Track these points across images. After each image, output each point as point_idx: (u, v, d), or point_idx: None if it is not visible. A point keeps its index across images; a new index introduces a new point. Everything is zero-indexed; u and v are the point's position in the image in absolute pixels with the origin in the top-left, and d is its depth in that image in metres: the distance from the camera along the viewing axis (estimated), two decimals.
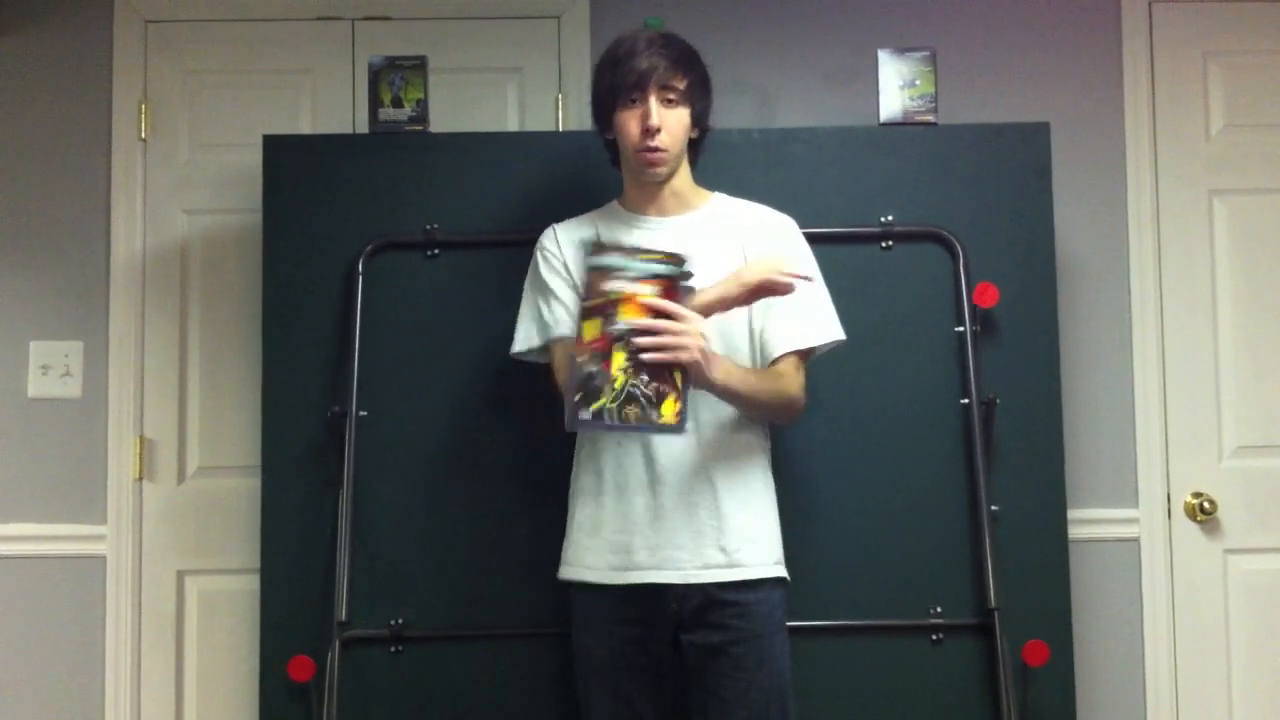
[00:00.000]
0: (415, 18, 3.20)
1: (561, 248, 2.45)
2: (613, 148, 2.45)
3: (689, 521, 2.31)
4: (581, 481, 2.41)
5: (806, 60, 3.20)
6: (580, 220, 2.50)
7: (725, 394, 2.28)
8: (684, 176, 2.44)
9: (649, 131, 2.32)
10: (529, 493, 2.67)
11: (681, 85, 2.35)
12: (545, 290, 2.43)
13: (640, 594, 2.32)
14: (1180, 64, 3.19)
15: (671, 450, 2.31)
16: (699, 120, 2.41)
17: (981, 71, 3.17)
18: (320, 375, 2.75)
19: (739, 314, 2.36)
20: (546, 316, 2.42)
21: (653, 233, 2.41)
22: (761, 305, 2.36)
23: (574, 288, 2.39)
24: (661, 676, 2.36)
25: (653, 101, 2.32)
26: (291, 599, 2.69)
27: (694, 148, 2.45)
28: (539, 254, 2.47)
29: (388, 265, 2.76)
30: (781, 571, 2.38)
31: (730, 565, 2.32)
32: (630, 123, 2.34)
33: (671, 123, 2.34)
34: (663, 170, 2.37)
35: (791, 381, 2.38)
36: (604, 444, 2.36)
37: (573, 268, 2.41)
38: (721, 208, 2.47)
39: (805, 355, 2.42)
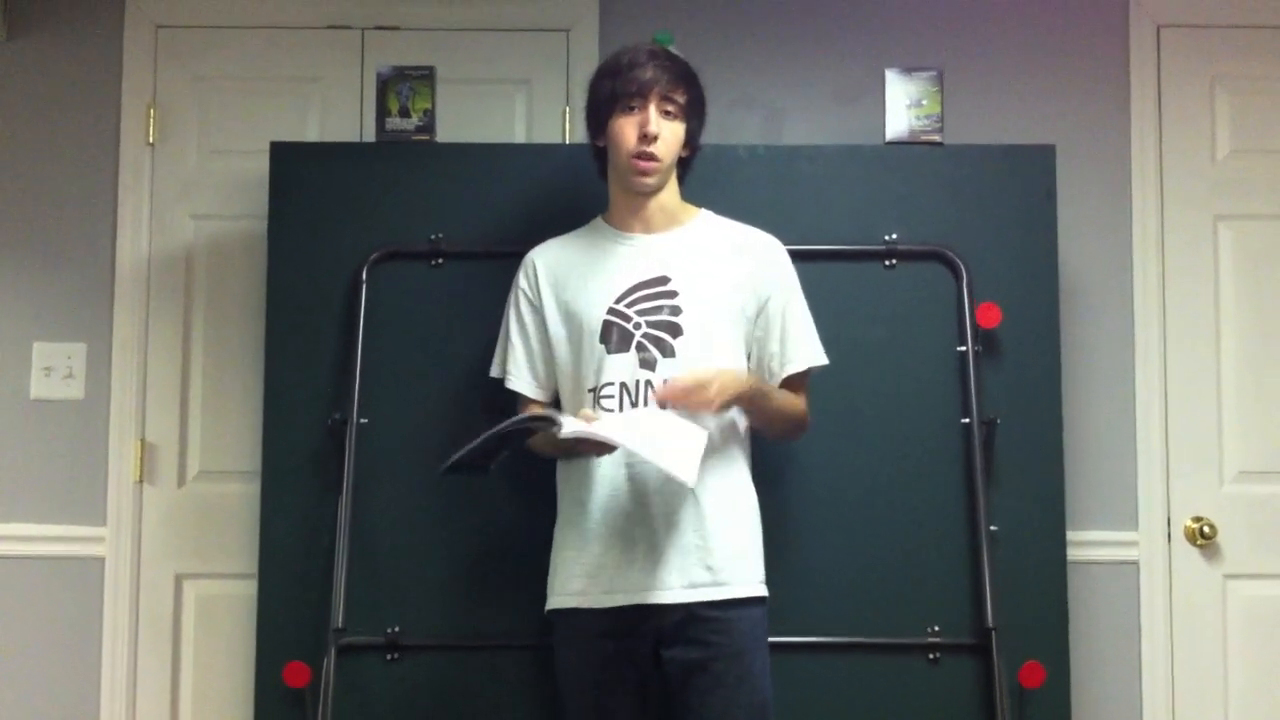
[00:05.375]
0: (425, 28, 3.20)
1: (538, 282, 2.47)
2: (602, 156, 2.46)
3: (675, 541, 2.30)
4: (566, 511, 2.42)
5: (815, 78, 3.20)
6: (564, 240, 2.52)
7: (751, 404, 2.36)
8: (672, 192, 2.45)
9: (646, 138, 2.33)
10: (527, 503, 2.65)
11: (681, 99, 2.37)
12: (510, 332, 2.50)
13: (623, 611, 2.31)
14: (1187, 88, 3.19)
15: (656, 470, 2.28)
16: (691, 139, 2.43)
17: (988, 92, 3.17)
18: (322, 382, 2.75)
19: (730, 334, 2.39)
20: (510, 361, 2.49)
21: (638, 249, 2.42)
22: (763, 327, 2.42)
23: (542, 325, 2.45)
24: (644, 691, 2.35)
25: (652, 110, 2.34)
26: (289, 605, 2.69)
27: (683, 165, 2.46)
28: (515, 289, 2.51)
29: (392, 274, 2.77)
30: (763, 590, 2.38)
31: (715, 584, 2.31)
32: (627, 128, 2.35)
33: (667, 134, 2.36)
34: (652, 181, 2.38)
35: (802, 399, 2.45)
36: (587, 469, 2.35)
37: (546, 297, 2.45)
38: (709, 225, 2.48)
39: (808, 375, 2.45)
